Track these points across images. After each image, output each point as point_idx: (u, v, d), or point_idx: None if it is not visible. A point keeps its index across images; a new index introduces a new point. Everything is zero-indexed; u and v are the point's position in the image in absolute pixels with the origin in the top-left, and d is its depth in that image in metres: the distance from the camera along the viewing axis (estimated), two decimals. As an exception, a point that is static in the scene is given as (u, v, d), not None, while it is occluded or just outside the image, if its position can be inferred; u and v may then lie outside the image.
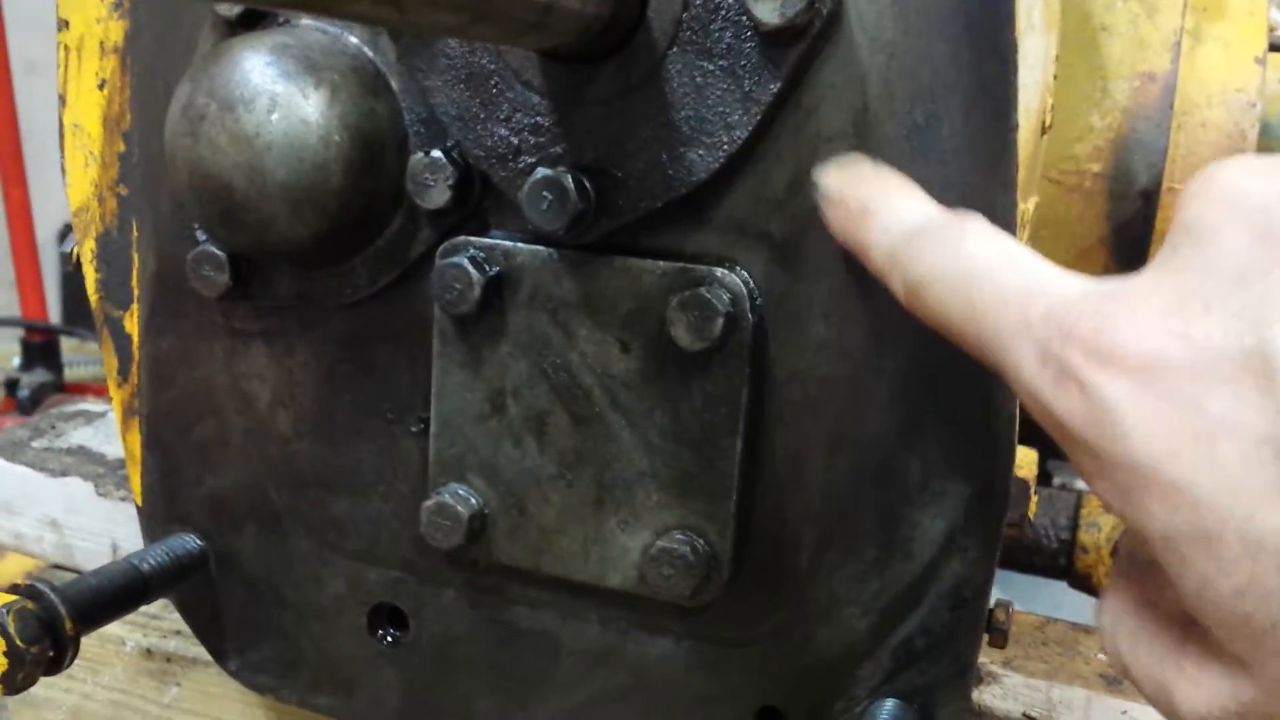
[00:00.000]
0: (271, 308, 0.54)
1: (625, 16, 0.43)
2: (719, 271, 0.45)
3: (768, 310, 0.46)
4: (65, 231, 2.92)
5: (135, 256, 0.57)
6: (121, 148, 0.56)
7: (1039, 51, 0.54)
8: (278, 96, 0.46)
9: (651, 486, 0.48)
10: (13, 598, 0.47)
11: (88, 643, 0.50)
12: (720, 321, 0.44)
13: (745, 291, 0.45)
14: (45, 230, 2.49)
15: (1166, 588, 0.33)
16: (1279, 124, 0.77)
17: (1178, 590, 0.30)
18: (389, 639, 0.56)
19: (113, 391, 0.60)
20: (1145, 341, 0.29)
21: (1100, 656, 0.63)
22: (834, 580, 0.47)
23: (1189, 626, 0.32)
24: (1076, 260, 0.72)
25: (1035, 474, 0.52)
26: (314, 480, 0.56)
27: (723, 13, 0.42)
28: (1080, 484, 0.98)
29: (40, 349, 2.30)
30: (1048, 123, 0.59)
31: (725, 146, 0.44)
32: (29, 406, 2.15)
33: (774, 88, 0.43)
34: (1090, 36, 0.78)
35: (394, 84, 0.49)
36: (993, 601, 0.48)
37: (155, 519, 0.59)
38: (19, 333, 2.34)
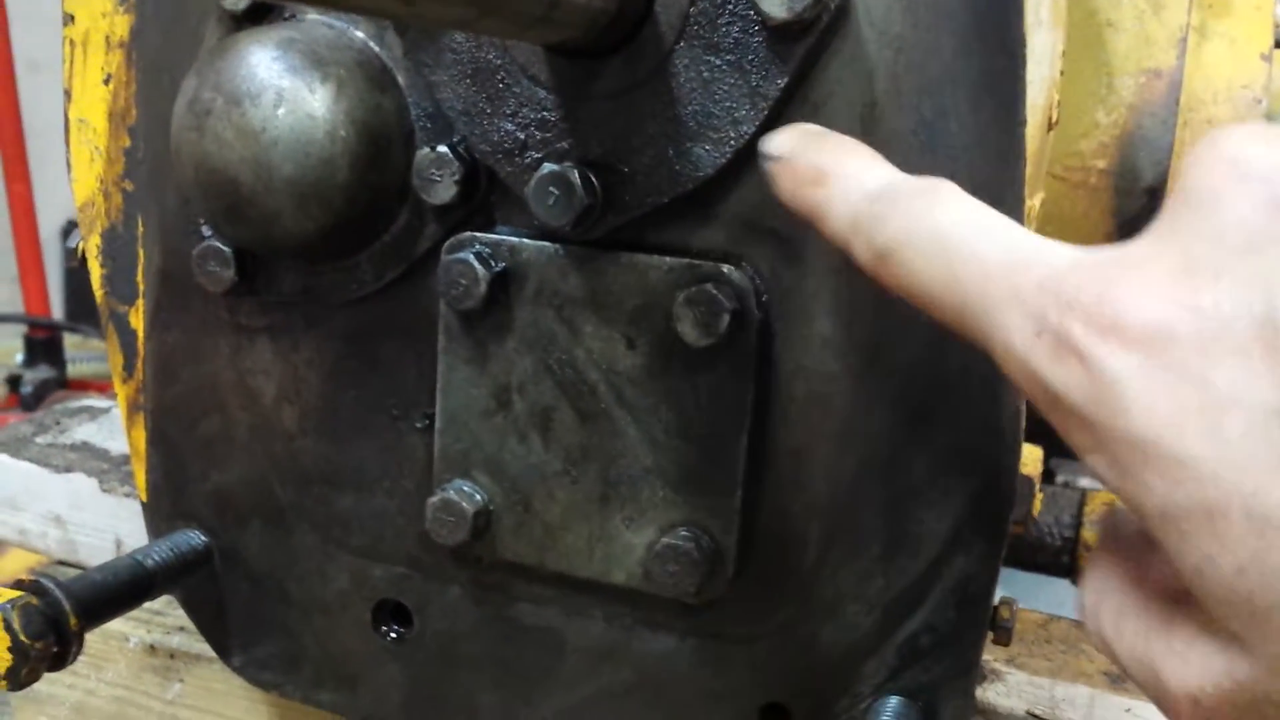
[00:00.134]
0: (277, 303, 0.54)
1: (632, 11, 0.43)
2: (725, 268, 0.45)
3: (774, 307, 0.45)
4: (68, 228, 2.93)
5: (140, 252, 0.57)
6: (127, 143, 0.56)
7: (1046, 47, 0.54)
8: (284, 91, 0.46)
9: (657, 483, 0.48)
10: (17, 593, 0.47)
11: (91, 639, 0.50)
12: (726, 318, 0.44)
13: (751, 288, 0.45)
14: (48, 227, 2.49)
15: (1155, 565, 0.33)
16: (1285, 121, 0.77)
17: (1175, 568, 0.29)
18: (393, 635, 0.56)
19: (118, 387, 0.60)
20: (1150, 311, 0.28)
21: (1105, 654, 0.63)
22: (839, 577, 0.47)
23: (1178, 603, 0.31)
24: (1082, 257, 0.72)
25: (1040, 471, 0.52)
26: (319, 476, 0.55)
27: (730, 7, 0.42)
28: (1084, 482, 0.98)
29: (43, 345, 2.31)
30: (1054, 119, 0.59)
31: (732, 142, 0.44)
32: (32, 403, 2.15)
33: (781, 82, 0.42)
34: (1096, 32, 0.78)
35: (400, 79, 0.49)
36: (997, 599, 0.48)
37: (160, 515, 0.59)
38: (22, 329, 2.35)
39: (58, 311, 2.70)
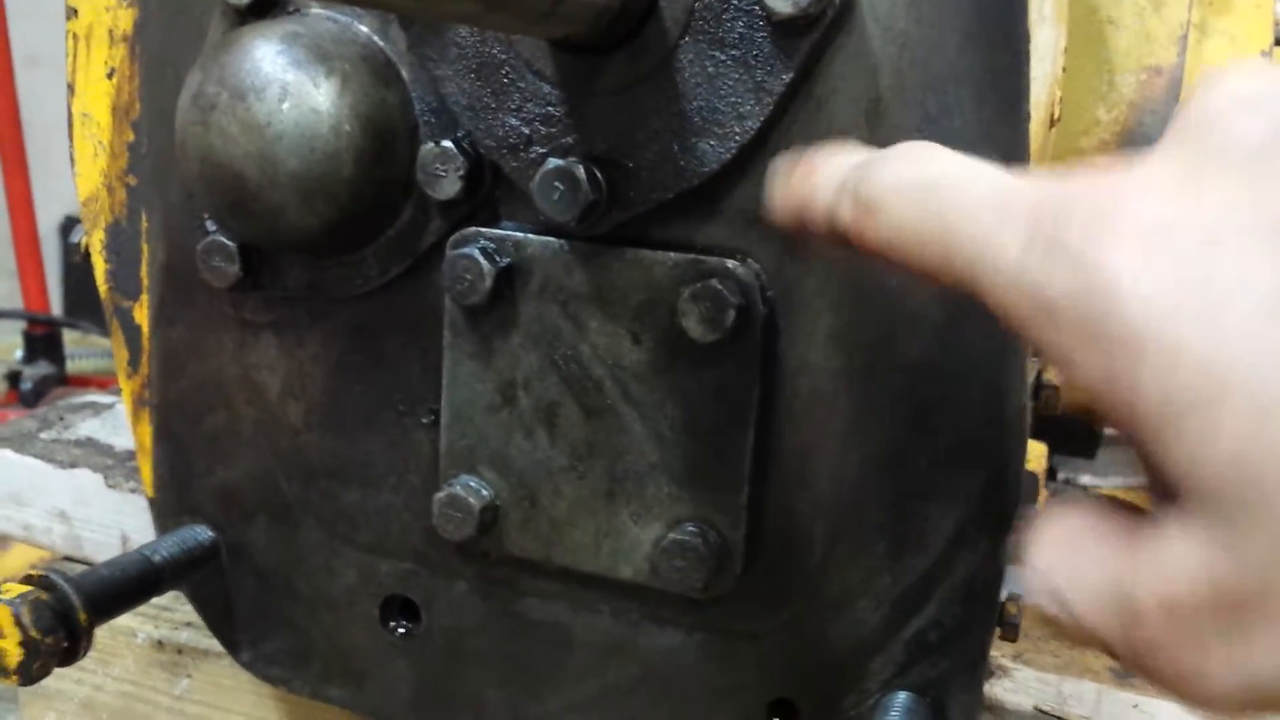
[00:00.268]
0: (282, 298, 0.54)
1: (637, 6, 0.43)
2: (730, 263, 0.45)
3: (779, 302, 0.45)
4: (67, 224, 2.93)
5: (145, 247, 0.57)
6: (130, 137, 0.56)
7: (1048, 44, 0.54)
8: (289, 85, 0.46)
9: (663, 478, 0.48)
10: (27, 588, 0.47)
11: (99, 634, 0.50)
12: (732, 313, 0.44)
13: (756, 283, 0.45)
14: (47, 222, 2.49)
15: (1108, 512, 0.31)
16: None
17: (1162, 471, 0.27)
18: (400, 630, 0.56)
19: (123, 383, 0.60)
20: (1149, 209, 0.28)
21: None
22: (846, 573, 0.47)
23: (1140, 528, 0.30)
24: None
25: (1045, 468, 0.52)
26: (325, 471, 0.56)
27: (735, 2, 0.42)
28: (1085, 479, 0.98)
29: (43, 341, 2.30)
30: (1056, 115, 0.59)
31: (737, 137, 0.44)
32: (31, 399, 2.15)
33: (786, 78, 0.42)
34: (1097, 29, 0.78)
35: (405, 73, 0.49)
36: (1004, 595, 0.48)
37: (166, 510, 0.59)
38: (21, 325, 2.35)
39: (57, 307, 2.70)
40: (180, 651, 0.67)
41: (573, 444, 0.49)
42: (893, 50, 0.42)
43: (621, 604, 0.52)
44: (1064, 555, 0.32)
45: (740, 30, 0.42)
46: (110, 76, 0.56)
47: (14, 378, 2.26)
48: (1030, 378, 0.51)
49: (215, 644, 0.61)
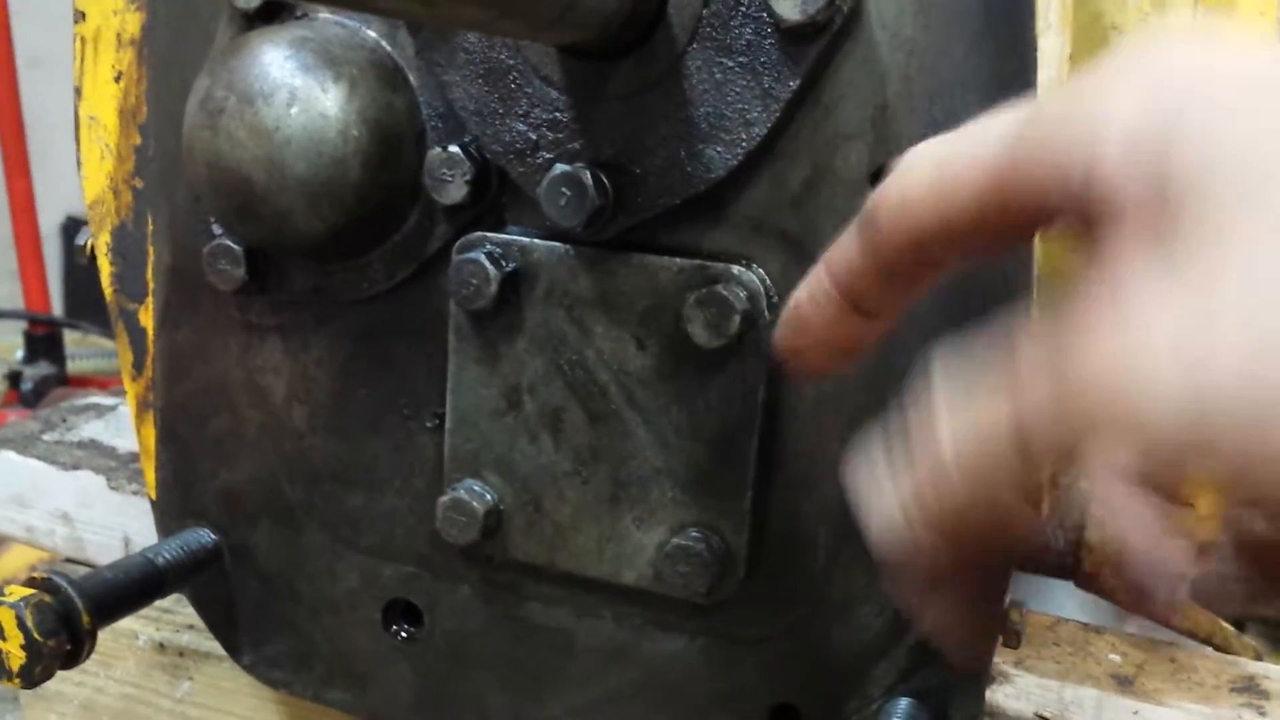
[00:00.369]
0: (287, 302, 0.54)
1: (645, 12, 0.43)
2: (736, 269, 0.45)
3: (784, 308, 0.45)
4: (69, 224, 2.93)
5: (150, 249, 0.57)
6: (137, 140, 0.56)
7: (1054, 51, 0.54)
8: (297, 90, 0.46)
9: (667, 484, 0.48)
10: (30, 591, 0.47)
11: (100, 637, 0.50)
12: (737, 319, 0.44)
13: (762, 289, 0.45)
14: (49, 223, 2.49)
15: None
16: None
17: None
18: (403, 634, 0.56)
19: (127, 385, 0.60)
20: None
21: (1111, 657, 0.63)
22: (850, 578, 0.47)
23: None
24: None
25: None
26: (329, 475, 0.56)
27: (743, 9, 0.42)
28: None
29: (43, 341, 2.31)
30: (1062, 121, 0.59)
31: (744, 144, 0.44)
32: (32, 399, 2.15)
33: (793, 85, 0.43)
34: (1102, 35, 0.78)
35: (412, 78, 0.49)
36: (1006, 602, 0.48)
37: (170, 513, 0.59)
38: (22, 325, 2.35)
39: (58, 308, 2.70)
40: (182, 654, 0.67)
41: (577, 449, 0.49)
42: (900, 57, 0.42)
43: (624, 609, 0.52)
44: None
45: (748, 37, 0.43)
46: (118, 80, 0.56)
47: (15, 378, 2.26)
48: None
49: (217, 647, 0.61)
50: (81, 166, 0.58)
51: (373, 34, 0.49)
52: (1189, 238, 0.25)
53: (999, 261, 0.43)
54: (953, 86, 0.42)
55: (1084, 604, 0.77)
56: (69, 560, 0.75)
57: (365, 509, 0.55)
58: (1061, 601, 0.79)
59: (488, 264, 0.48)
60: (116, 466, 0.75)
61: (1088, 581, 0.75)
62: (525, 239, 0.48)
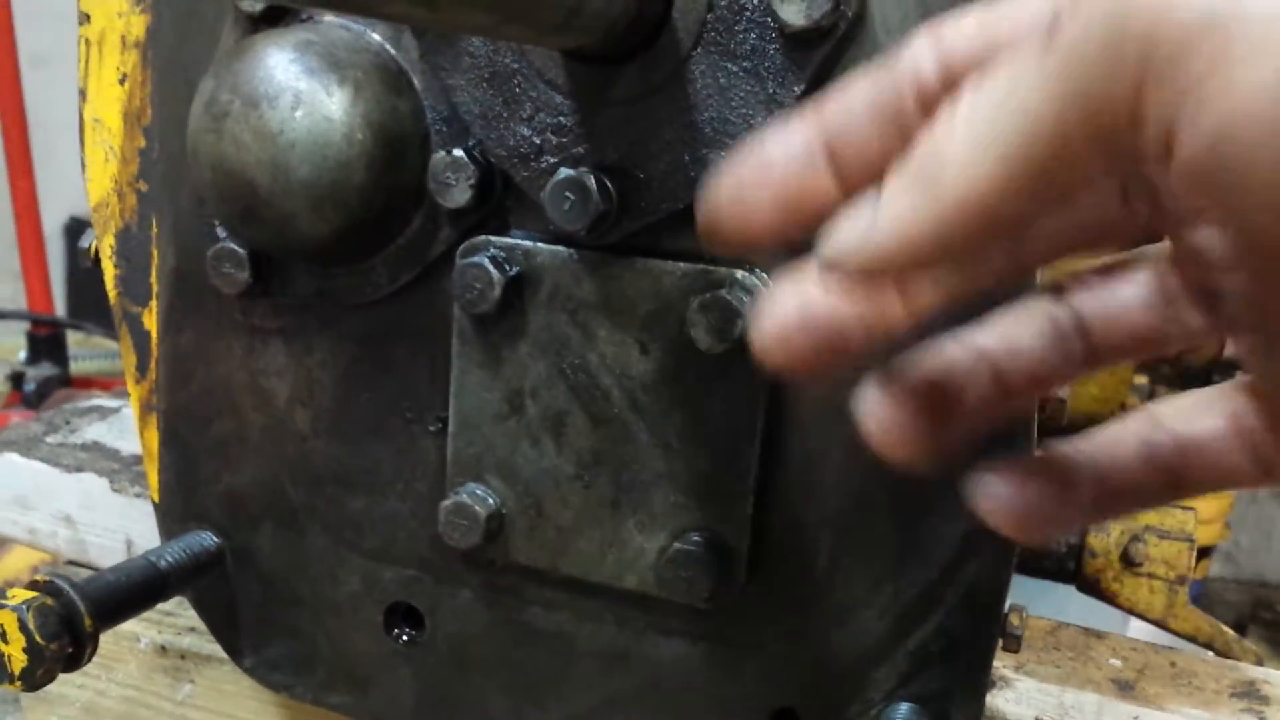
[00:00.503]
0: (290, 305, 0.54)
1: (650, 17, 0.43)
2: (740, 274, 0.45)
3: None
4: (72, 225, 2.93)
5: (155, 252, 0.57)
6: (142, 143, 0.56)
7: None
8: (302, 93, 0.46)
9: (669, 488, 0.48)
10: (32, 594, 0.47)
11: (102, 639, 0.50)
12: (740, 324, 0.44)
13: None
14: (52, 223, 2.50)
15: None
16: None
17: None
18: (404, 638, 0.56)
19: (130, 388, 0.60)
20: None
21: (1112, 662, 0.63)
22: (851, 583, 0.47)
23: None
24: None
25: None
26: (331, 478, 0.56)
27: (747, 14, 0.42)
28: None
29: (46, 342, 2.31)
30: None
31: (748, 149, 0.44)
32: (35, 400, 2.16)
33: (798, 90, 0.43)
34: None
35: (416, 82, 0.49)
36: (1006, 606, 0.48)
37: (172, 516, 0.59)
38: (25, 326, 2.35)
39: (61, 309, 2.71)
40: (183, 657, 0.67)
41: (579, 453, 0.49)
42: (903, 63, 0.42)
43: (626, 613, 0.52)
44: None
45: (753, 42, 0.43)
46: (122, 82, 0.56)
47: (17, 379, 2.27)
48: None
49: (218, 650, 0.61)
50: (86, 169, 0.58)
51: (377, 37, 0.49)
52: None
53: None
54: None
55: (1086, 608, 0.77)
56: (71, 563, 0.75)
57: (367, 512, 0.55)
58: (1062, 605, 0.79)
59: (491, 268, 0.48)
60: (120, 469, 0.75)
61: (1088, 586, 0.75)
62: (529, 243, 0.48)
